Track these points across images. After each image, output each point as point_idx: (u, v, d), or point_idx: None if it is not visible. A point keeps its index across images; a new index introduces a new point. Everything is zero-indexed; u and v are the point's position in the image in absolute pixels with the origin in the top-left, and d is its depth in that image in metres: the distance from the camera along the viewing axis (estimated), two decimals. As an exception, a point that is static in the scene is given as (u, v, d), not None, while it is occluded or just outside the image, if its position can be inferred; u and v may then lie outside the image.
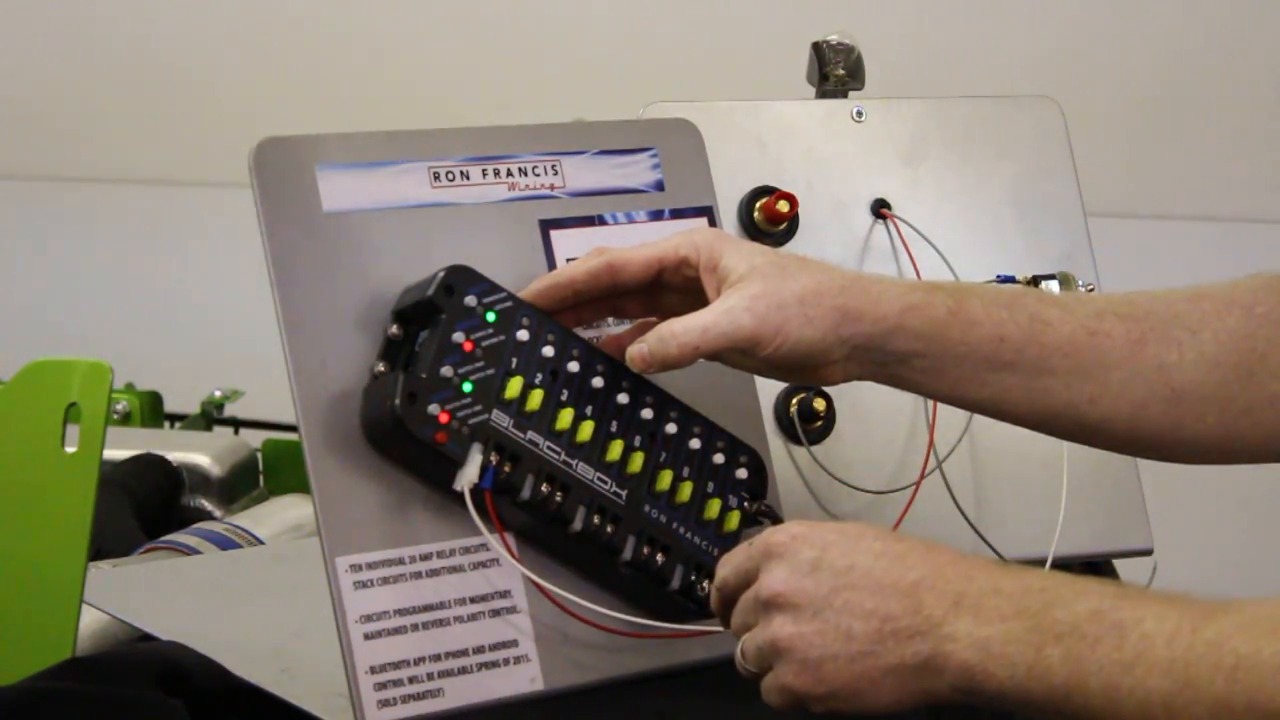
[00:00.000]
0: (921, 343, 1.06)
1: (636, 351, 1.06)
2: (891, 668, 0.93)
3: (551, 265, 1.13)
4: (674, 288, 1.09)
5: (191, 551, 1.43)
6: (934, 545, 0.95)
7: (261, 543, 1.50)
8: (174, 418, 2.00)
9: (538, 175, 1.15)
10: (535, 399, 1.07)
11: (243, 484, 1.74)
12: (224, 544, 1.47)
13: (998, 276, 1.32)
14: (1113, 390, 1.08)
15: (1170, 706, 0.85)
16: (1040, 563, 1.24)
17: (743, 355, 1.06)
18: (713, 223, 1.18)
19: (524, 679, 1.06)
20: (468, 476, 1.04)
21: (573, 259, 1.12)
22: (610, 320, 1.14)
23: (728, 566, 0.99)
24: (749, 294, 1.04)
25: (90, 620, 1.19)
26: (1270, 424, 1.09)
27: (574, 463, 1.07)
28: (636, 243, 1.10)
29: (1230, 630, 0.85)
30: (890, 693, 0.93)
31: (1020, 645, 0.90)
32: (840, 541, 0.95)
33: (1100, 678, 0.87)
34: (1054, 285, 1.32)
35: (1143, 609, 0.88)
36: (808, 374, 1.08)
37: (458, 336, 1.06)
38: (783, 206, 1.27)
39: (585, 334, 1.11)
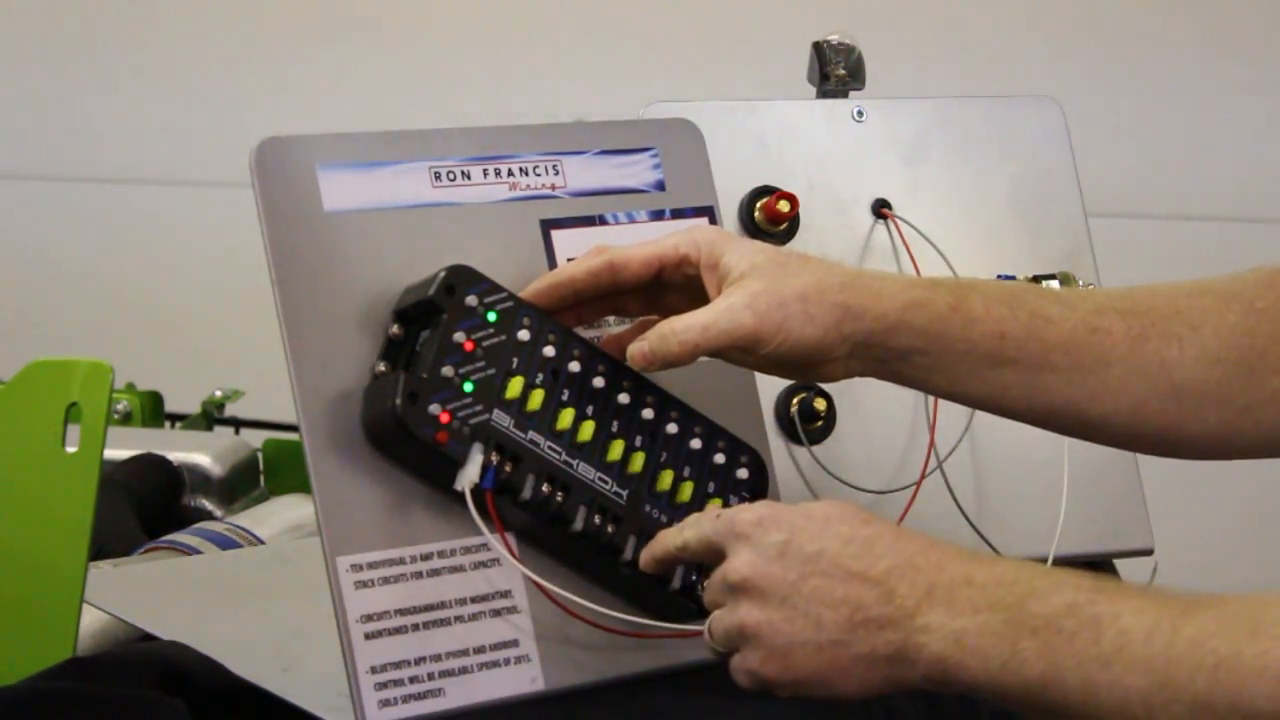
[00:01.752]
0: (922, 339, 1.06)
1: (637, 349, 1.06)
2: (862, 656, 0.93)
3: (552, 265, 1.13)
4: (674, 286, 1.09)
5: (192, 551, 1.43)
6: (904, 531, 0.95)
7: (262, 543, 1.50)
8: (174, 418, 1.99)
9: (538, 175, 1.15)
10: (536, 399, 1.07)
11: (243, 484, 1.74)
12: (224, 544, 1.47)
13: (998, 276, 1.32)
14: (1113, 387, 1.08)
15: (1149, 704, 0.86)
16: (1041, 563, 1.24)
17: (744, 353, 1.06)
18: (714, 222, 1.18)
19: (524, 679, 1.06)
20: (468, 476, 1.04)
21: (574, 259, 1.12)
22: (611, 320, 1.14)
23: (692, 531, 1.01)
24: (750, 291, 1.04)
25: (90, 620, 1.19)
26: (1271, 420, 1.09)
27: (575, 463, 1.07)
28: (637, 241, 1.10)
29: (1211, 629, 0.85)
30: (859, 680, 0.94)
31: (995, 638, 0.90)
32: (808, 526, 0.95)
33: (1078, 673, 0.87)
34: (1054, 285, 1.32)
35: (1120, 604, 0.88)
36: (809, 371, 1.08)
37: (459, 336, 1.06)
38: (783, 206, 1.27)
39: (586, 333, 1.11)
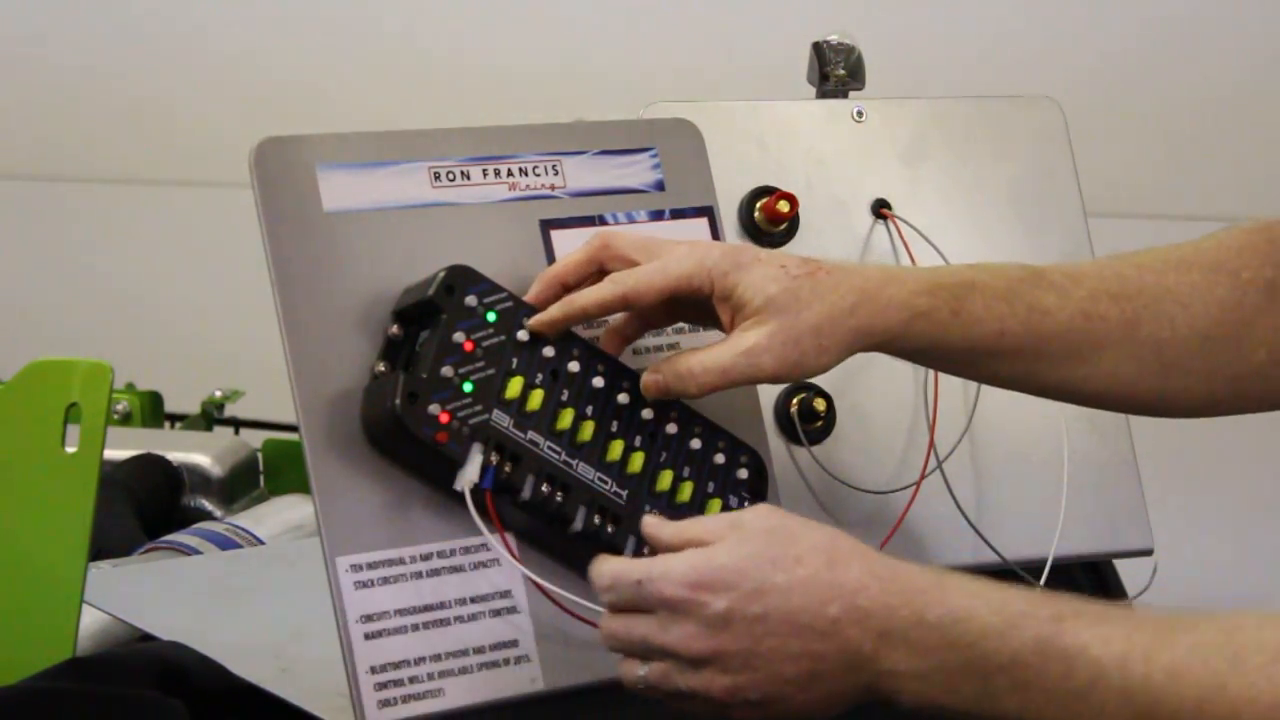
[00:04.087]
0: (925, 343, 1.08)
1: (652, 381, 1.07)
2: (839, 693, 0.94)
3: (552, 265, 1.13)
4: (685, 304, 1.09)
5: (192, 551, 1.43)
6: (836, 561, 0.93)
7: (261, 543, 1.50)
8: (174, 418, 1.99)
9: (538, 175, 1.15)
10: (536, 399, 1.07)
11: (243, 484, 1.74)
12: (224, 544, 1.47)
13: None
14: (1106, 369, 1.10)
15: None
16: (1040, 563, 1.24)
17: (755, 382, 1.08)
18: (713, 223, 1.18)
19: (524, 679, 1.06)
20: (468, 476, 1.04)
21: (575, 256, 1.12)
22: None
23: (611, 596, 0.97)
24: (767, 331, 1.05)
25: (90, 620, 1.19)
26: (1256, 391, 1.12)
27: (574, 463, 1.07)
28: (644, 261, 1.08)
29: (1188, 659, 0.86)
30: (844, 706, 0.95)
31: (960, 676, 0.91)
32: (740, 583, 0.94)
33: (1054, 706, 0.88)
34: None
35: (1085, 632, 0.88)
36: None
37: (458, 336, 1.06)
38: (783, 206, 1.27)
39: (585, 334, 1.11)
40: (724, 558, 0.94)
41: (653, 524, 1.00)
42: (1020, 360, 1.09)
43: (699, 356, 1.06)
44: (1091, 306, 1.10)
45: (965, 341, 1.08)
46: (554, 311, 1.08)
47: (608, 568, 0.98)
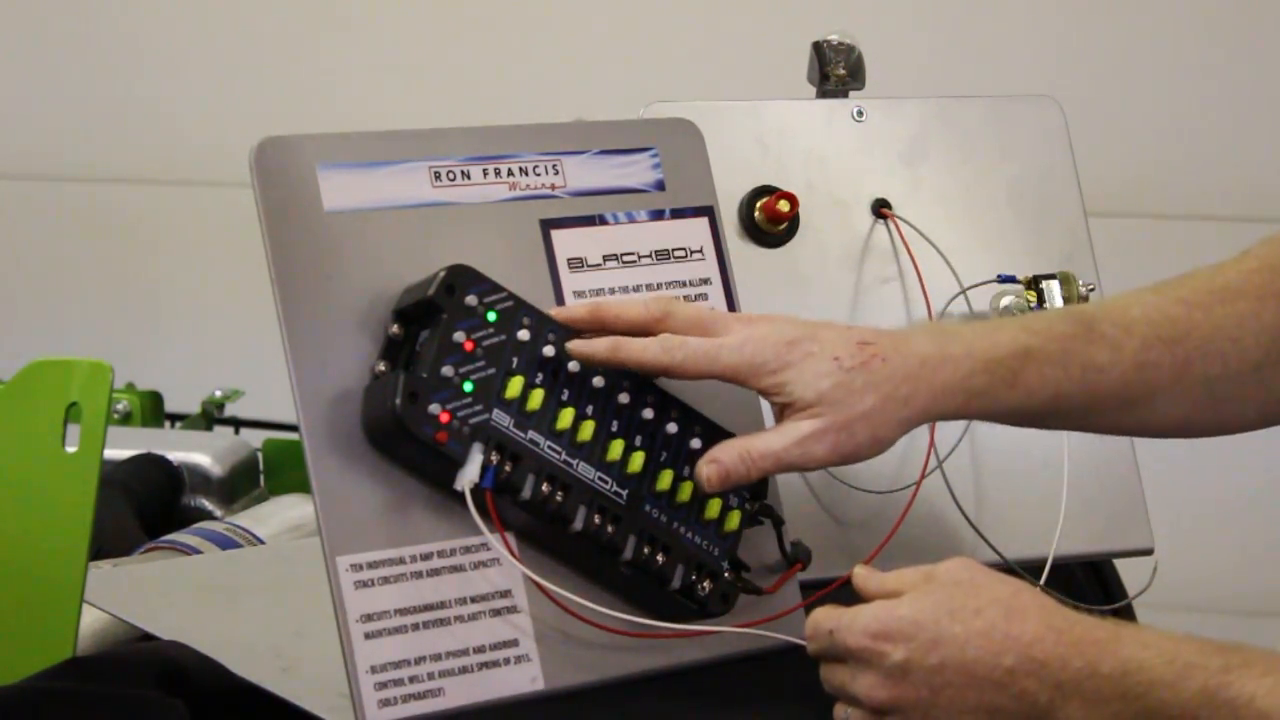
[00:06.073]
0: (980, 416, 1.11)
1: (715, 472, 1.06)
2: None
3: (552, 265, 1.13)
4: None
5: (192, 551, 1.43)
6: (1013, 611, 0.95)
7: (262, 542, 1.50)
8: (174, 418, 1.99)
9: (538, 175, 1.15)
10: (536, 399, 1.07)
11: (243, 484, 1.74)
12: (224, 544, 1.47)
13: (998, 276, 1.32)
14: (1159, 412, 1.12)
15: None
16: (1040, 563, 1.24)
17: None
18: (713, 222, 1.18)
19: (524, 679, 1.06)
20: (468, 476, 1.04)
21: (574, 259, 1.12)
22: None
23: (812, 645, 1.01)
24: (821, 424, 1.05)
25: (90, 620, 1.19)
26: None
27: (574, 462, 1.07)
28: (698, 318, 1.08)
29: None
30: None
31: None
32: (917, 634, 0.96)
33: None
34: (1054, 285, 1.32)
35: (1252, 684, 0.89)
36: None
37: (458, 336, 1.06)
38: (783, 206, 1.27)
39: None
40: (905, 609, 0.97)
41: (861, 575, 1.02)
42: (1074, 416, 1.12)
43: (754, 443, 1.06)
44: (1145, 356, 1.10)
45: (1022, 409, 1.10)
46: (601, 352, 1.07)
47: (812, 616, 1.01)
